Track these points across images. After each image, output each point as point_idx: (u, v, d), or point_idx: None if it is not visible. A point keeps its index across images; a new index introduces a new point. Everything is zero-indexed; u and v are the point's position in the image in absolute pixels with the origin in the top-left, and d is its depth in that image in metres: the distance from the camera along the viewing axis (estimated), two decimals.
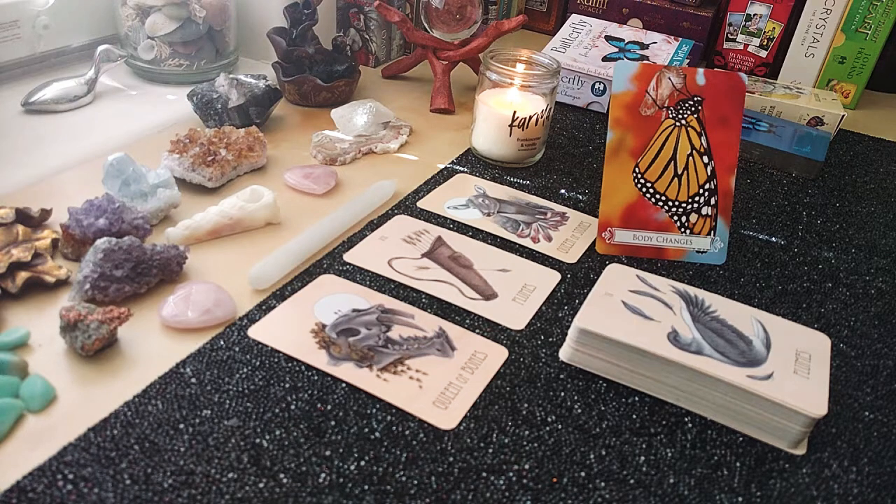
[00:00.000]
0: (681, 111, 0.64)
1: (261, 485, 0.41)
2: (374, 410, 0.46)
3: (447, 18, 0.89)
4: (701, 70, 0.65)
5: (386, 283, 0.58)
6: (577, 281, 0.61)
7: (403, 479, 0.42)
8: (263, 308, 0.54)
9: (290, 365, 0.49)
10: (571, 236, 0.67)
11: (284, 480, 0.41)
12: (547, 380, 0.51)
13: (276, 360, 0.49)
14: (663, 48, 0.99)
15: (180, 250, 0.55)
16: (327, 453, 0.43)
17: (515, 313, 0.56)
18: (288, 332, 0.52)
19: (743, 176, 0.82)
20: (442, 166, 0.77)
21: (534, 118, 0.74)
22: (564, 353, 0.52)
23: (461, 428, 0.46)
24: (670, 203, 0.65)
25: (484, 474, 0.43)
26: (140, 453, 0.42)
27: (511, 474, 0.43)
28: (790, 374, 0.48)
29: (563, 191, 0.74)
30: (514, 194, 0.72)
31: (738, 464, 0.46)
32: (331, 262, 0.60)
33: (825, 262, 0.68)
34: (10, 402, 0.43)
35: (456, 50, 0.91)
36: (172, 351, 0.49)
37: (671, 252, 0.65)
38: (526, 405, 0.48)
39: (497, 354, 0.52)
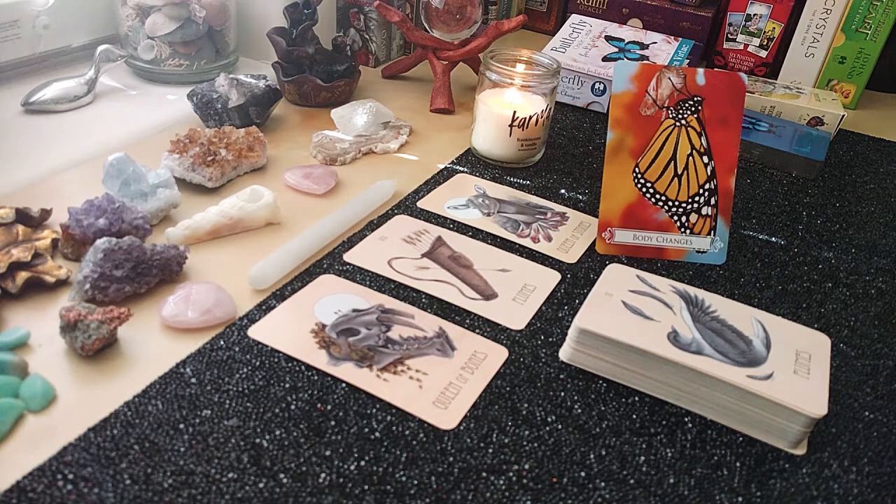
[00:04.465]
0: (681, 111, 0.64)
1: (261, 485, 0.41)
2: (374, 410, 0.46)
3: (447, 18, 0.89)
4: (701, 70, 0.65)
5: (386, 283, 0.58)
6: (577, 281, 0.61)
7: (403, 479, 0.42)
8: (263, 308, 0.54)
9: (290, 365, 0.49)
10: (571, 236, 0.67)
11: (284, 480, 0.41)
12: (547, 380, 0.51)
13: (276, 360, 0.49)
14: (663, 48, 0.99)
15: (180, 250, 0.55)
16: (327, 453, 0.43)
17: (515, 313, 0.56)
18: (288, 332, 0.52)
19: (743, 176, 0.82)
20: (442, 166, 0.77)
21: (534, 118, 0.74)
22: (564, 353, 0.52)
23: (461, 428, 0.46)
24: (670, 203, 0.65)
25: (484, 474, 0.43)
26: (140, 453, 0.42)
27: (511, 474, 0.43)
28: (790, 374, 0.48)
29: (563, 191, 0.74)
30: (514, 194, 0.72)
31: (738, 464, 0.46)
32: (331, 262, 0.60)
33: (825, 262, 0.68)
34: (10, 402, 0.43)
35: (456, 50, 0.91)
36: (172, 351, 0.49)
37: (671, 252, 0.65)
38: (526, 405, 0.48)
39: (497, 354, 0.52)
